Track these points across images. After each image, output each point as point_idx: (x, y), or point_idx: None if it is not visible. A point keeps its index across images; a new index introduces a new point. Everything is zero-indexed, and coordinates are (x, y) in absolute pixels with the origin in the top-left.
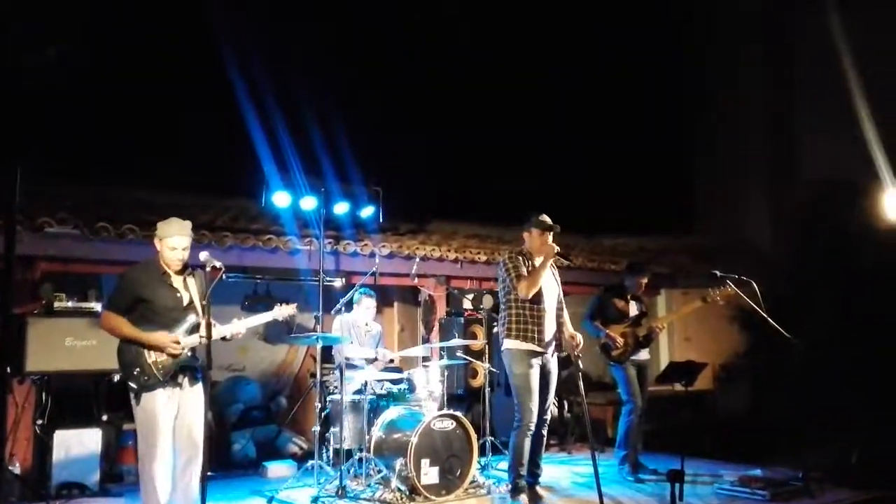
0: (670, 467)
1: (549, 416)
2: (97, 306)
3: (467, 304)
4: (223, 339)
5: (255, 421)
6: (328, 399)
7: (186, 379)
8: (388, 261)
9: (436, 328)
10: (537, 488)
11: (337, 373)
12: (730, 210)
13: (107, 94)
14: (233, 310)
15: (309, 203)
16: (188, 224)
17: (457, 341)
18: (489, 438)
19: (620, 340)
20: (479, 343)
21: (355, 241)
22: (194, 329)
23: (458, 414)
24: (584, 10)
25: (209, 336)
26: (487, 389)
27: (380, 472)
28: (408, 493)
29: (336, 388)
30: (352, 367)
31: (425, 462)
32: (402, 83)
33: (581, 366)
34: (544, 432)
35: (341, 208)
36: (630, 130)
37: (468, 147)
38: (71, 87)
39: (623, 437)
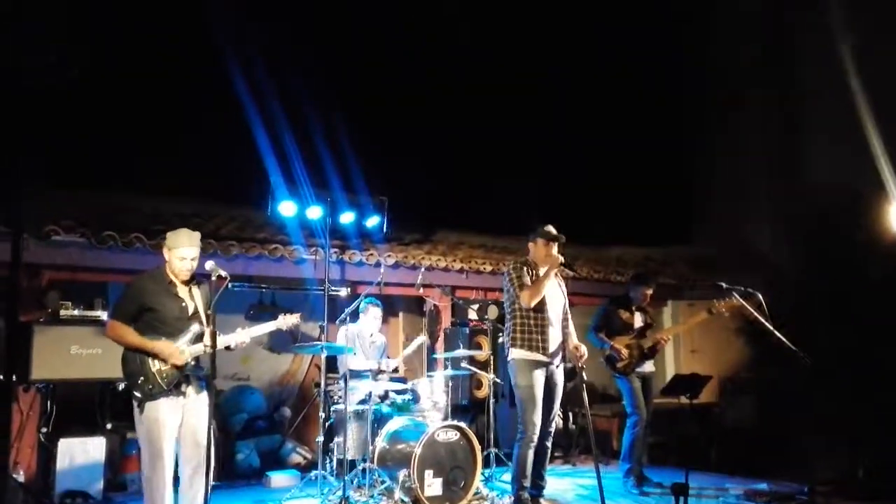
0: (675, 480)
1: (553, 428)
2: (103, 315)
3: (472, 315)
4: (227, 348)
5: (259, 430)
6: (332, 409)
7: (191, 388)
8: (394, 270)
9: (441, 338)
10: (541, 501)
11: (341, 383)
12: (734, 220)
13: (114, 103)
14: (238, 319)
15: (315, 212)
16: (197, 235)
17: (462, 352)
18: (493, 450)
19: (625, 352)
20: (483, 354)
21: (361, 251)
22: (198, 338)
23: (463, 425)
24: (588, 24)
25: (213, 345)
26: (492, 400)
27: (383, 482)
28: None
29: (340, 398)
30: (356, 376)
31: (429, 473)
32: (408, 93)
33: (585, 377)
34: (549, 444)
35: (347, 218)
36: (636, 141)
37: (474, 157)
38: (78, 96)
39: (627, 449)
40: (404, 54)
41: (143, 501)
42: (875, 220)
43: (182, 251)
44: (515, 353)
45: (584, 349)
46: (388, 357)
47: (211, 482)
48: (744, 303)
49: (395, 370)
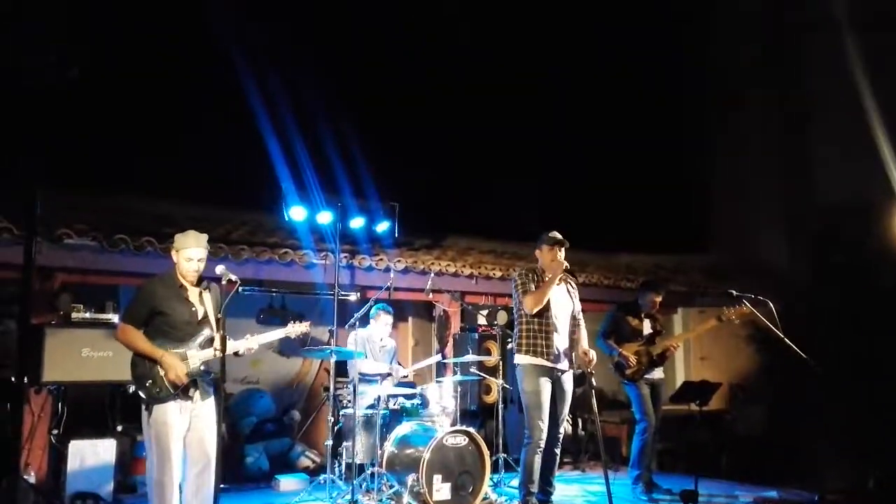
0: (684, 487)
1: (562, 434)
2: (114, 317)
3: (482, 320)
4: (235, 354)
5: (269, 434)
6: (341, 413)
7: (198, 392)
8: (403, 275)
9: (450, 343)
10: None
11: (350, 387)
12: (745, 229)
13: (127, 106)
14: (248, 323)
15: (325, 217)
16: (204, 236)
17: (471, 357)
18: (502, 455)
19: (633, 359)
20: (492, 359)
21: (371, 256)
22: (208, 343)
23: (471, 430)
24: (600, 30)
25: (223, 350)
26: (501, 406)
27: (392, 487)
28: None
29: (349, 402)
30: (365, 381)
31: (437, 478)
32: (418, 99)
33: (594, 383)
34: (557, 451)
35: (357, 223)
36: (646, 148)
37: (484, 163)
38: (90, 99)
39: (636, 456)
40: (414, 59)
41: (150, 503)
42: (885, 228)
43: (189, 252)
44: (521, 359)
45: (593, 354)
46: (399, 362)
47: (220, 485)
48: (754, 310)
49: (405, 377)
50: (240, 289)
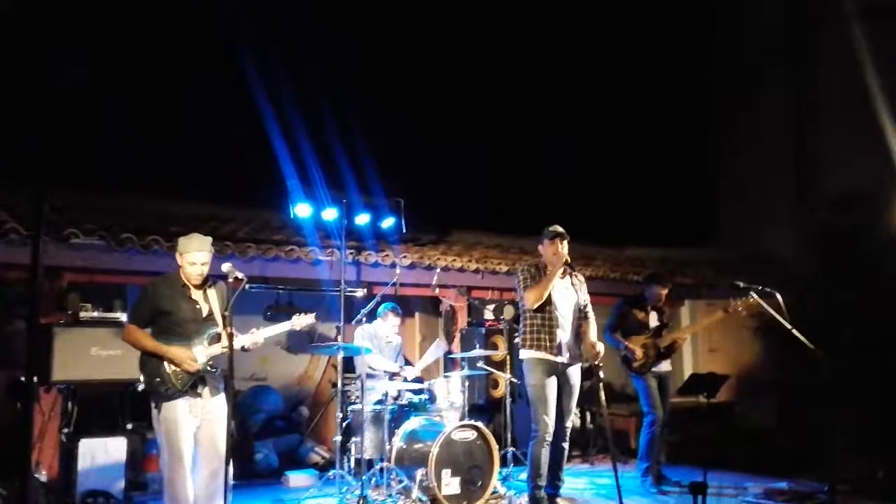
0: (693, 479)
1: (570, 428)
2: (122, 316)
3: (488, 315)
4: (242, 349)
5: (278, 430)
6: (349, 409)
7: (207, 389)
8: (410, 271)
9: (457, 338)
10: (558, 500)
11: (358, 383)
12: (752, 222)
13: (133, 106)
14: (255, 320)
15: (330, 214)
16: (208, 239)
17: (478, 352)
18: (511, 449)
19: (640, 352)
20: (500, 353)
21: (377, 252)
22: (214, 340)
23: (480, 424)
24: (608, 23)
25: (231, 346)
26: (509, 400)
27: (401, 482)
28: (429, 503)
29: (357, 397)
30: (373, 377)
31: (446, 472)
32: (422, 94)
33: (603, 376)
34: (565, 445)
35: (363, 219)
36: (654, 141)
37: (490, 157)
38: (97, 99)
39: (645, 448)
40: (418, 55)
41: (164, 501)
42: (893, 219)
43: (192, 256)
44: (525, 353)
45: (601, 347)
46: (405, 357)
47: (231, 481)
48: (762, 302)
49: (414, 379)
50: (246, 286)
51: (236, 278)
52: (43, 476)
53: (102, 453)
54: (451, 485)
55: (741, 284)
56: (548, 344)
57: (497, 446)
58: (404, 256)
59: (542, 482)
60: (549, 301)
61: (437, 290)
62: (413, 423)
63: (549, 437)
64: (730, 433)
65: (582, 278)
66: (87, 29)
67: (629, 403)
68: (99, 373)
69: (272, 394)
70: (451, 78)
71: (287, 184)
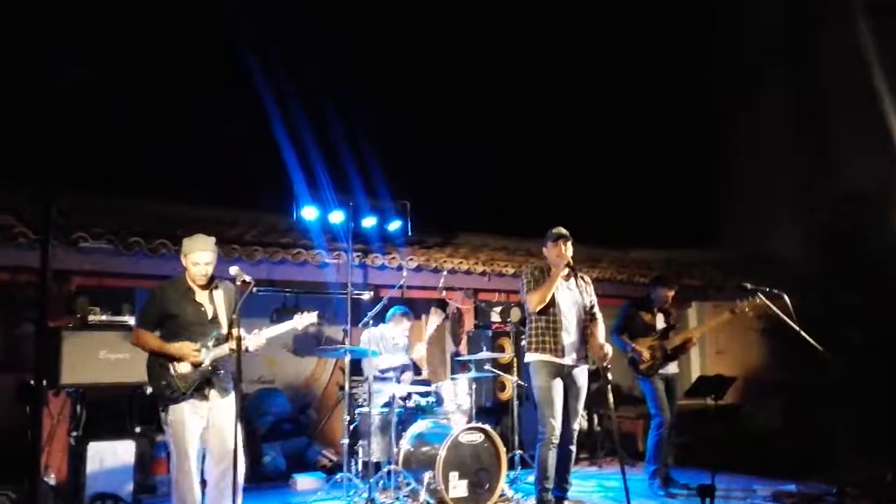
0: (701, 482)
1: (577, 430)
2: (130, 320)
3: (495, 317)
4: (246, 350)
5: (285, 433)
6: (357, 412)
7: (214, 391)
8: (416, 274)
9: (464, 341)
10: (566, 502)
11: (365, 385)
12: (757, 222)
13: (139, 110)
14: (262, 323)
15: (337, 217)
16: (212, 239)
17: (485, 354)
18: (518, 452)
19: (647, 354)
20: (506, 356)
21: (383, 255)
22: (219, 342)
23: (487, 427)
24: (608, 24)
25: (239, 349)
26: (516, 402)
27: (408, 484)
28: None
29: (364, 400)
30: (381, 379)
31: (454, 475)
32: (428, 95)
33: (610, 378)
34: (573, 447)
35: (369, 222)
36: (658, 142)
37: (495, 159)
38: (103, 103)
39: (652, 451)
40: (421, 56)
41: (172, 503)
42: None
43: (196, 256)
44: (530, 356)
45: (608, 349)
46: (411, 359)
47: (241, 484)
48: (769, 303)
49: (419, 371)
50: (254, 289)
51: (244, 281)
52: (52, 479)
53: (111, 456)
54: (458, 487)
55: (748, 286)
56: (552, 346)
57: (504, 449)
58: (411, 259)
59: (550, 485)
60: (552, 303)
61: (444, 293)
62: (420, 425)
63: (556, 440)
64: (737, 435)
65: (588, 279)
66: (89, 30)
67: (636, 406)
68: (107, 376)
69: (279, 396)
70: (455, 79)
71: (294, 187)
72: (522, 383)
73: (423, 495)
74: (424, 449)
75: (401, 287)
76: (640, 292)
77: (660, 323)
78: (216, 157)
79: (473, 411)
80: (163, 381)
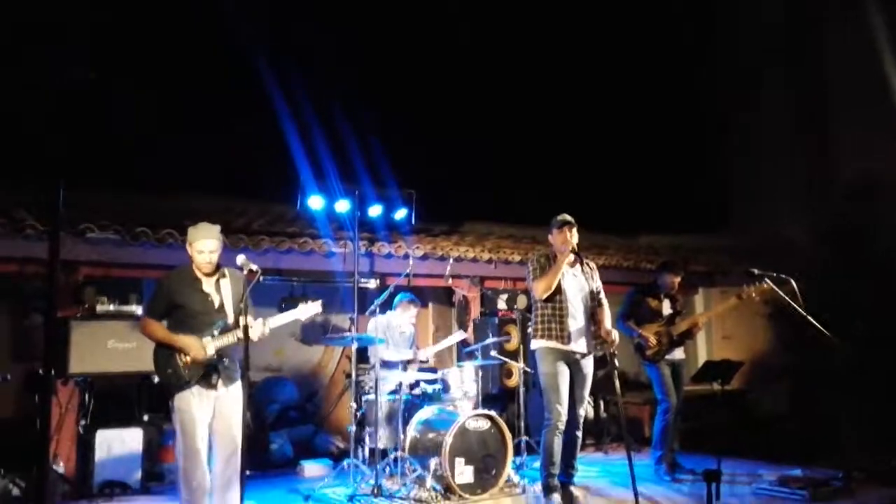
0: (707, 467)
1: (583, 416)
2: (138, 309)
3: (501, 305)
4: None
5: (292, 421)
6: (363, 399)
7: (221, 380)
8: (422, 262)
9: (470, 328)
10: (572, 488)
11: (372, 373)
12: (766, 208)
13: (145, 102)
14: (269, 312)
15: (343, 206)
16: (216, 228)
17: (491, 340)
18: (524, 438)
19: (653, 340)
20: (513, 343)
21: (389, 243)
22: (226, 331)
23: (493, 413)
24: (616, 17)
25: (247, 337)
26: (522, 389)
27: (415, 471)
28: (443, 492)
29: (371, 388)
30: (387, 367)
31: (460, 461)
32: (434, 84)
33: (617, 364)
34: (579, 433)
35: (375, 210)
36: (665, 128)
37: (501, 147)
38: (108, 95)
39: (658, 436)
40: (429, 45)
41: (178, 491)
42: None
43: (200, 244)
44: (536, 343)
45: (615, 335)
46: (417, 347)
47: (245, 471)
48: (776, 289)
49: (425, 360)
50: (261, 278)
51: (251, 270)
52: (60, 467)
53: (119, 445)
54: (464, 473)
55: (755, 271)
56: (559, 333)
57: (510, 435)
58: (417, 247)
59: (556, 470)
60: (559, 290)
61: (450, 281)
62: (427, 412)
63: (562, 426)
64: (743, 420)
65: (594, 265)
66: (95, 25)
67: (643, 391)
68: (116, 365)
69: (287, 384)
70: (460, 69)
71: (300, 176)
72: (529, 370)
73: (430, 481)
74: (431, 435)
75: (407, 275)
76: (646, 279)
77: (666, 309)
78: (223, 148)
79: (480, 398)
80: (169, 369)
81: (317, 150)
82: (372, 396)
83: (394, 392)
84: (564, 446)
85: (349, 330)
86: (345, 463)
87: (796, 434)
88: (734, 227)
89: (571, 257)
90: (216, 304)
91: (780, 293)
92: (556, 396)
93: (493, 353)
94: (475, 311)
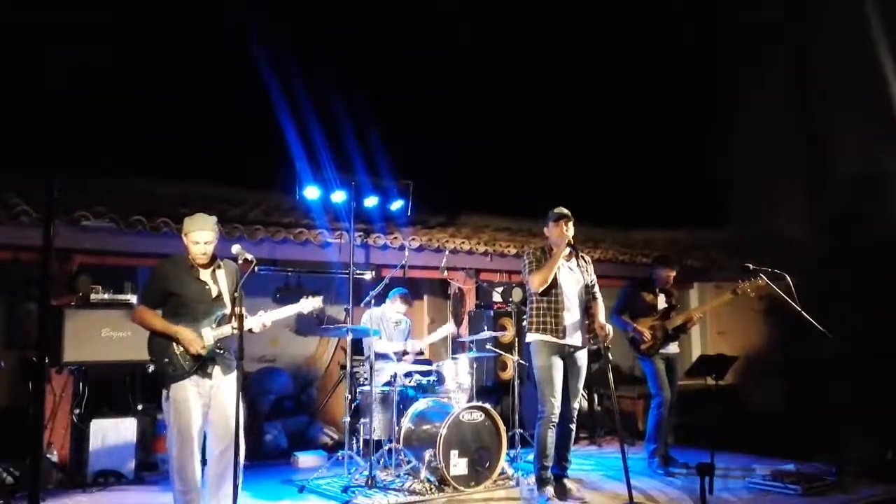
0: (701, 461)
1: (577, 409)
2: (132, 298)
3: (497, 297)
4: (249, 331)
5: (287, 411)
6: (358, 390)
7: (217, 369)
8: (418, 254)
9: (465, 321)
10: (565, 481)
11: (367, 364)
12: (763, 204)
13: (143, 90)
14: (265, 302)
15: (339, 196)
16: (212, 219)
17: (486, 334)
18: (518, 430)
19: (648, 334)
20: (508, 336)
21: (385, 234)
22: (223, 321)
23: (487, 406)
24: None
25: (241, 327)
26: (517, 382)
27: (409, 462)
28: (437, 483)
29: (366, 379)
30: (382, 358)
31: (454, 453)
32: (431, 76)
33: (611, 358)
34: (573, 426)
35: (371, 201)
36: (661, 123)
37: (499, 140)
38: (107, 82)
39: (652, 430)
40: (426, 35)
41: (171, 481)
42: None
43: (195, 235)
44: (531, 336)
45: (609, 328)
46: (413, 339)
47: (241, 461)
48: (771, 284)
49: (420, 353)
50: (256, 268)
51: (246, 260)
52: (54, 456)
53: (113, 434)
54: (458, 465)
55: (751, 266)
56: (553, 326)
57: (505, 428)
58: (413, 239)
59: (549, 463)
60: (554, 284)
61: (446, 273)
62: (421, 404)
63: (556, 419)
64: (737, 415)
65: (589, 259)
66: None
67: (637, 385)
68: (110, 354)
69: (281, 375)
70: (458, 60)
71: (296, 166)
72: (524, 362)
73: (424, 473)
74: (425, 427)
75: (402, 267)
76: (642, 273)
77: (661, 303)
78: (219, 137)
79: (474, 390)
80: (166, 358)
81: (313, 140)
82: (367, 387)
83: (388, 383)
84: (558, 439)
85: (344, 321)
86: (339, 454)
87: (790, 429)
88: (730, 222)
89: (567, 251)
90: (213, 294)
91: (775, 288)
92: (551, 389)
93: (488, 345)
94: (470, 303)
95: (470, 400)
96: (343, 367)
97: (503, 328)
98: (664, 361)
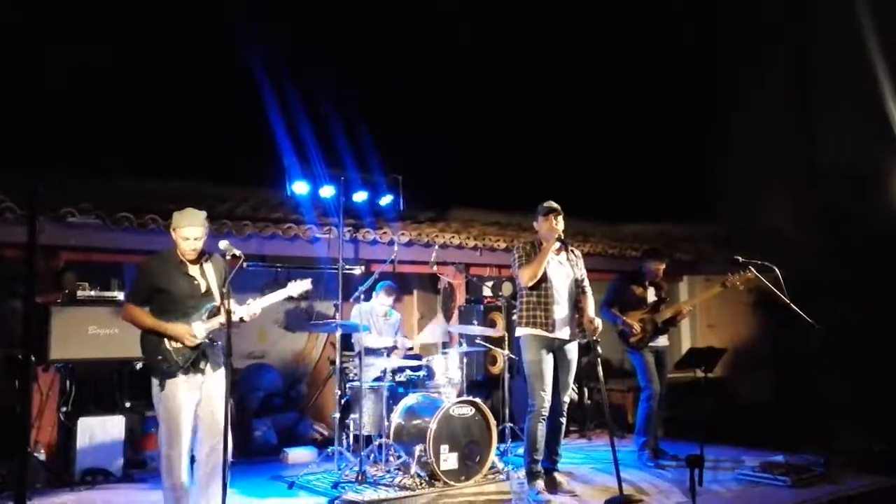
0: (690, 453)
1: (567, 402)
2: (119, 295)
3: (487, 292)
4: (241, 320)
5: (276, 408)
6: (348, 386)
7: (209, 365)
8: (408, 248)
9: (455, 315)
10: (555, 474)
11: (356, 360)
12: (752, 197)
13: (130, 86)
14: (253, 298)
15: (328, 191)
16: (202, 214)
17: (476, 328)
18: (508, 425)
19: (637, 327)
20: (497, 332)
21: (374, 230)
22: (212, 314)
23: (478, 400)
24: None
25: (229, 324)
26: (507, 376)
27: (399, 457)
28: (427, 478)
29: (356, 374)
30: (371, 353)
31: (444, 448)
32: (420, 70)
33: (600, 352)
34: (563, 420)
35: (360, 196)
36: (652, 116)
37: (488, 135)
38: (94, 79)
39: (642, 423)
40: (416, 30)
41: (161, 478)
42: (893, 196)
43: (185, 231)
44: (521, 331)
45: (598, 322)
46: (404, 335)
47: (230, 458)
48: (760, 276)
49: (410, 349)
50: (244, 264)
51: (234, 256)
52: (41, 454)
53: (101, 432)
54: (449, 460)
55: (740, 259)
56: (543, 320)
57: (495, 422)
58: (402, 234)
59: (539, 456)
60: (544, 278)
61: (436, 268)
62: (411, 399)
63: (546, 413)
64: (727, 407)
65: (578, 253)
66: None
67: (626, 379)
68: (97, 351)
69: (270, 371)
70: (448, 56)
71: (284, 161)
72: (514, 357)
73: (414, 468)
74: (415, 422)
75: (392, 262)
76: (631, 266)
77: (651, 296)
78: (206, 133)
79: (464, 385)
80: (158, 355)
81: (302, 136)
82: (356, 383)
83: (378, 379)
84: (549, 432)
85: (333, 317)
86: (329, 450)
87: (779, 421)
88: (719, 215)
89: (557, 245)
90: (203, 289)
91: (765, 281)
92: (540, 383)
93: (478, 339)
94: (460, 298)
95: (460, 394)
96: (332, 362)
97: (493, 322)
98: (653, 354)
